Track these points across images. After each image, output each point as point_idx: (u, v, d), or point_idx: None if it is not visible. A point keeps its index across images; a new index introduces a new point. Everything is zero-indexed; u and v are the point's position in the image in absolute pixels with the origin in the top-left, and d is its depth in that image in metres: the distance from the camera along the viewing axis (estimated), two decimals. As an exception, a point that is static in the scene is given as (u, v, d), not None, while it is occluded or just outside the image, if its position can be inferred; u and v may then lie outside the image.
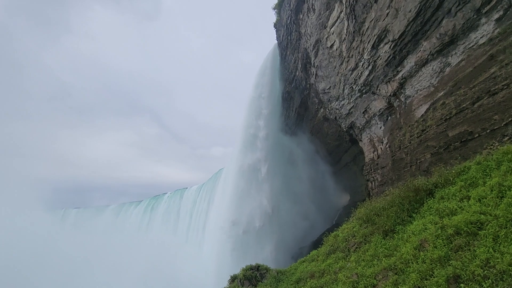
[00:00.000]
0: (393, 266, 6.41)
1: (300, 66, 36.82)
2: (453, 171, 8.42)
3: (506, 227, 5.02)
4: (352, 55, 26.07)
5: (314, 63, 33.15)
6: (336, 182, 41.07)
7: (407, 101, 23.07)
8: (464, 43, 17.18)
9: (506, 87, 14.13)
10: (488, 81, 15.34)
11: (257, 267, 11.23)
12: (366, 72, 25.45)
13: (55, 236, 77.58)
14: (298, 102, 41.39)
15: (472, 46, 16.62)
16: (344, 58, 27.29)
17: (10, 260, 58.44)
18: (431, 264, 5.49)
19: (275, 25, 43.80)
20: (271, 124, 40.33)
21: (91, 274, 53.90)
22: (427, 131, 19.55)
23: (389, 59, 22.41)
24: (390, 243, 7.62)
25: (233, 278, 10.86)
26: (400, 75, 22.39)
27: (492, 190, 6.39)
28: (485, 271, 4.43)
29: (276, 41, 44.94)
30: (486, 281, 4.23)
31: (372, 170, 28.33)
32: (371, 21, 22.58)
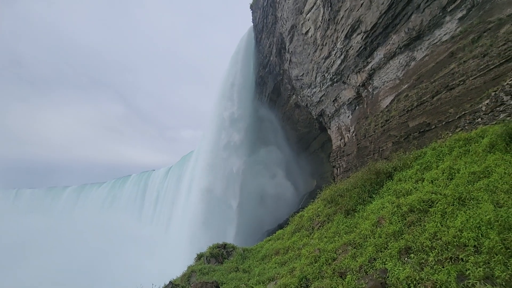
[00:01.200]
0: (352, 241, 6.81)
1: (275, 51, 36.60)
2: (411, 156, 9.06)
3: (453, 205, 5.54)
4: (326, 43, 26.40)
5: (288, 48, 33.12)
6: (304, 168, 42.37)
7: (374, 92, 24.06)
8: (429, 39, 18.08)
9: (462, 82, 15.24)
10: (447, 76, 16.43)
11: (224, 245, 11.38)
12: (338, 61, 25.99)
13: (6, 216, 71.89)
14: (271, 88, 41.41)
15: (436, 42, 17.58)
16: (318, 46, 27.56)
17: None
18: (386, 238, 5.92)
19: (251, 7, 42.74)
20: (244, 108, 40.09)
21: (45, 257, 51.10)
22: (391, 121, 20.65)
23: (360, 49, 23.03)
24: (351, 221, 8.08)
25: (200, 256, 10.92)
26: (369, 66, 23.17)
27: (443, 173, 6.98)
28: (433, 243, 4.87)
29: (252, 24, 44.00)
30: (433, 251, 4.65)
31: (338, 157, 29.56)
32: (345, 10, 22.88)
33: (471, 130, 9.14)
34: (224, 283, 7.92)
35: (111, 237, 55.08)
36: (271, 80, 41.34)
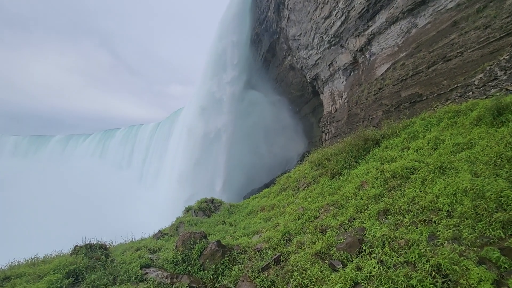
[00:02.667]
0: (335, 202, 7.18)
1: (273, 6, 34.42)
2: (400, 125, 9.23)
3: (434, 173, 5.81)
4: (327, 2, 24.94)
5: (287, 4, 31.18)
6: (293, 131, 42.71)
7: (371, 59, 23.54)
8: (434, 5, 17.33)
9: (460, 54, 15.03)
10: (446, 47, 16.12)
11: (212, 200, 11.84)
12: (338, 23, 24.87)
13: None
14: (267, 47, 39.77)
15: (441, 9, 16.90)
16: (319, 4, 26.04)
17: None
18: (367, 200, 6.26)
19: (251, -47, 39.04)
20: (237, 64, 38.72)
21: (30, 201, 51.77)
22: (384, 90, 20.57)
23: (362, 11, 21.97)
24: (336, 184, 8.44)
25: (188, 209, 11.37)
26: (370, 30, 22.33)
27: (429, 142, 7.21)
28: (410, 206, 5.20)
29: (251, -27, 40.54)
30: (409, 214, 4.98)
31: (328, 123, 29.80)
32: (352, -35, 21.33)
33: (462, 103, 9.26)
34: (211, 234, 8.36)
35: (98, 188, 55.83)
36: (267, 38, 39.52)
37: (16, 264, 6.62)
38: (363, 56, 24.45)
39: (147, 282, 5.16)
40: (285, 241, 6.37)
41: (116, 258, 6.17)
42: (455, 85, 14.65)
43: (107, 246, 6.25)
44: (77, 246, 5.81)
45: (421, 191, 5.52)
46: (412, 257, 3.80)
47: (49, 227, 42.12)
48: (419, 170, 6.18)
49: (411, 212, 5.03)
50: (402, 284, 3.42)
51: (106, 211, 45.71)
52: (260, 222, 8.74)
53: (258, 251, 6.20)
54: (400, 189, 5.98)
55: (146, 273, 5.59)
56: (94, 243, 6.01)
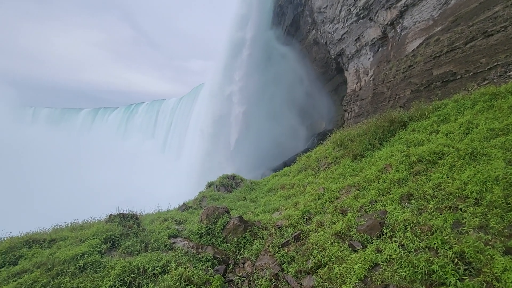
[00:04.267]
0: (356, 183, 7.18)
1: (299, -25, 32.54)
2: (430, 107, 8.81)
3: (464, 159, 5.61)
4: (358, -30, 23.22)
5: (315, -27, 29.35)
6: (314, 109, 41.89)
7: (402, 33, 22.10)
8: (479, -28, 15.71)
9: (503, 29, 13.77)
10: (488, 20, 14.78)
11: (233, 177, 12.19)
12: (369, -7, 23.25)
13: (26, 133, 76.01)
14: (290, 20, 38.17)
15: (486, -23, 15.29)
16: (349, -27, 24.33)
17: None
18: (390, 184, 6.20)
19: None
20: (258, 39, 37.69)
21: (69, 172, 55.59)
22: (414, 67, 19.46)
23: (396, -20, 20.34)
24: (358, 165, 8.37)
25: (210, 184, 11.83)
26: (402, 1, 20.79)
27: (460, 127, 6.88)
28: (435, 192, 5.11)
29: None
30: (434, 200, 4.91)
31: (352, 101, 28.89)
32: None
33: (500, 84, 8.62)
34: (233, 209, 8.72)
35: (125, 161, 58.82)
36: (290, 10, 37.83)
37: (58, 227, 7.32)
38: (393, 31, 22.95)
39: (175, 251, 5.56)
40: (305, 219, 6.54)
41: (146, 227, 6.65)
42: (495, 64, 13.56)
43: (138, 216, 6.73)
44: (111, 215, 6.31)
45: (448, 177, 5.38)
46: (434, 243, 3.82)
47: (80, 192, 45.44)
48: (447, 155, 5.98)
49: (436, 198, 4.96)
50: (422, 269, 3.48)
51: (133, 183, 48.39)
52: (280, 200, 8.95)
53: (278, 228, 6.44)
54: (426, 174, 5.85)
55: (174, 242, 6.01)
56: (126, 212, 6.49)
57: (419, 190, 5.42)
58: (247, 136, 37.76)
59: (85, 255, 4.86)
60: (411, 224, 4.45)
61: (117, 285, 4.24)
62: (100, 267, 4.65)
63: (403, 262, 3.70)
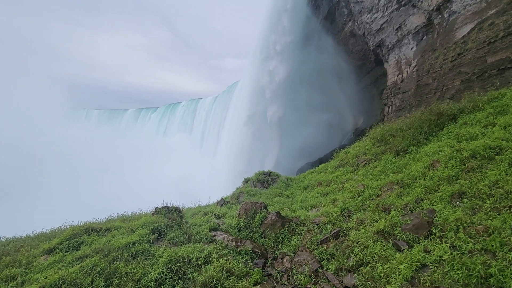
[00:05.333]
0: (399, 180, 6.81)
1: (334, -35, 31.41)
2: (485, 98, 8.02)
3: (526, 154, 5.05)
4: (399, -46, 21.79)
5: (351, -38, 28.12)
6: (352, 103, 40.33)
7: (451, 19, 20.32)
8: None
9: None
10: (556, -3, 13.01)
11: (269, 173, 12.28)
12: (412, -22, 21.71)
13: (81, 133, 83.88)
14: (325, 12, 37.05)
15: None
16: (389, -42, 22.93)
17: (43, 155, 64.88)
18: (438, 181, 5.79)
19: None
20: (292, 34, 37.18)
21: (117, 168, 60.28)
22: (464, 55, 17.84)
23: (444, -39, 18.72)
24: (401, 162, 7.93)
25: (247, 180, 12.05)
26: (451, -17, 19.07)
27: (522, 119, 6.19)
28: (492, 191, 4.67)
29: None
30: (490, 199, 4.50)
31: (392, 94, 27.35)
32: None
33: None
34: (269, 205, 8.80)
35: (165, 157, 62.23)
36: (325, 3, 36.69)
37: (111, 218, 8.03)
38: (440, 16, 21.17)
39: (216, 243, 5.80)
40: (344, 217, 6.39)
41: (188, 220, 7.01)
42: None
43: (181, 209, 7.11)
44: (157, 207, 6.76)
45: (507, 174, 4.89)
46: (492, 245, 3.52)
47: (127, 186, 49.09)
48: (506, 151, 5.43)
49: (493, 196, 4.54)
50: (478, 272, 3.23)
51: (172, 175, 51.16)
52: (317, 197, 8.83)
53: (317, 225, 6.38)
54: (481, 171, 5.37)
55: (214, 235, 6.26)
56: (171, 206, 6.90)
57: (473, 188, 4.99)
58: (282, 132, 37.64)
59: (136, 244, 5.28)
60: (464, 224, 4.13)
61: (165, 273, 4.55)
62: (149, 255, 5.03)
63: (456, 264, 3.46)
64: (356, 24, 31.96)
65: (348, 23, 34.32)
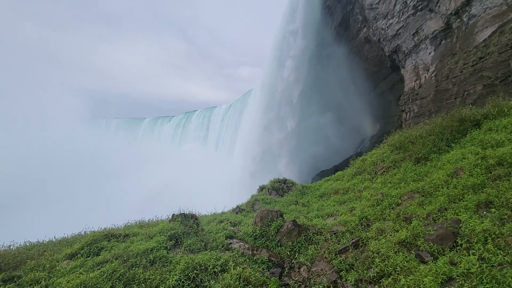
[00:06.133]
0: (421, 189, 6.58)
1: (348, -27, 31.46)
2: (511, 102, 7.68)
3: (559, 161, 4.77)
4: (414, -41, 21.60)
5: (365, -31, 28.10)
6: (368, 110, 39.72)
7: (470, 22, 19.81)
8: None
9: None
10: None
11: (284, 181, 12.18)
12: (428, -18, 21.41)
13: (101, 142, 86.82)
14: (339, 19, 37.00)
15: None
16: (404, -37, 22.75)
17: (65, 164, 67.51)
18: (463, 190, 5.55)
19: None
20: (306, 44, 37.28)
21: (134, 176, 61.72)
22: (486, 59, 17.28)
23: (462, -36, 18.38)
24: (421, 169, 7.68)
25: (262, 188, 11.99)
26: (470, -13, 18.64)
27: (553, 124, 5.87)
28: (522, 199, 4.43)
29: None
30: (520, 208, 4.26)
31: (410, 100, 26.73)
32: None
33: None
34: (285, 213, 8.70)
35: (180, 165, 63.19)
36: (339, 10, 36.68)
37: (129, 224, 8.19)
38: (458, 20, 20.66)
39: (232, 251, 5.77)
40: (362, 226, 6.22)
41: (204, 227, 7.03)
42: None
43: (197, 216, 7.16)
44: (174, 214, 6.83)
45: (538, 183, 4.63)
46: (524, 258, 3.32)
47: (145, 193, 50.03)
48: (536, 158, 5.15)
49: (524, 206, 4.30)
50: (509, 285, 3.04)
51: (186, 183, 51.80)
52: (334, 205, 8.66)
53: (334, 234, 6.23)
54: (509, 179, 5.11)
55: (230, 243, 6.23)
56: (187, 213, 6.96)
57: (501, 197, 4.75)
58: (297, 139, 37.41)
59: (154, 250, 5.34)
60: (493, 236, 3.91)
61: (182, 280, 4.57)
62: (167, 262, 5.06)
63: (485, 277, 3.27)
64: (371, 30, 31.69)
65: (362, 29, 34.08)
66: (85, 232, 7.72)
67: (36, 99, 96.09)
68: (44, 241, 7.69)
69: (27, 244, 7.45)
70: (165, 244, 5.61)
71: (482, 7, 18.47)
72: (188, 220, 6.71)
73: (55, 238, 7.94)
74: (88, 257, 5.53)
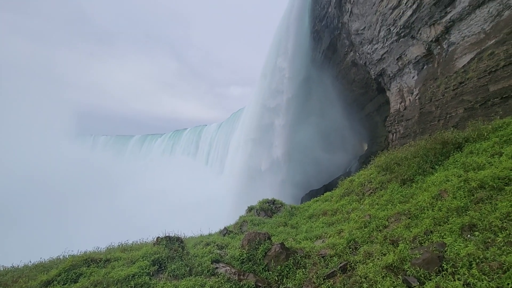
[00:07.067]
0: (407, 211, 6.64)
1: (334, 1, 33.14)
2: (490, 126, 8.01)
3: (536, 185, 4.93)
4: (396, -10, 23.00)
5: (351, -2, 29.69)
6: (355, 131, 40.55)
7: (450, 49, 20.94)
8: (536, -20, 14.58)
9: None
10: (552, 29, 13.42)
11: (273, 201, 12.08)
12: (409, 12, 22.72)
13: (88, 159, 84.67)
14: (327, 43, 38.51)
15: (546, -16, 14.11)
16: (387, -6, 24.17)
17: (48, 182, 65.22)
18: (447, 212, 5.62)
19: (311, -51, 38.24)
20: (296, 66, 38.42)
21: (121, 193, 60.02)
22: (466, 84, 18.12)
23: (439, -4, 19.66)
24: (407, 191, 7.78)
25: (250, 209, 11.83)
26: (448, 17, 19.87)
27: (529, 148, 6.12)
28: (504, 223, 4.51)
29: (310, -30, 39.74)
30: (503, 232, 4.33)
31: (396, 122, 27.51)
32: None
33: None
34: (273, 235, 8.55)
35: (168, 185, 62.02)
36: (327, 35, 38.26)
37: (112, 247, 7.86)
38: (439, 47, 21.84)
39: (218, 277, 5.58)
40: (350, 249, 6.16)
41: (189, 251, 6.82)
42: None
43: (183, 239, 6.95)
44: (159, 237, 6.61)
45: (519, 206, 4.74)
46: (508, 283, 3.33)
47: (137, 213, 48.53)
48: (515, 181, 5.31)
49: (506, 230, 4.37)
50: (495, 313, 3.03)
51: (174, 203, 50.64)
52: (323, 227, 8.59)
53: (323, 257, 6.14)
54: (491, 202, 5.22)
55: (216, 267, 6.04)
56: (172, 236, 6.75)
57: (484, 220, 4.83)
58: (287, 159, 37.55)
59: (136, 276, 5.10)
60: (477, 260, 3.94)
61: (164, 309, 4.35)
62: (149, 290, 4.84)
63: (471, 304, 3.26)
64: (358, 54, 33.04)
65: (349, 53, 35.49)
66: (63, 256, 7.35)
67: (21, 114, 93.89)
68: (19, 266, 7.27)
69: (1, 269, 7.03)
70: (148, 269, 5.38)
71: (461, 36, 19.63)
72: (173, 243, 6.50)
73: (31, 262, 7.52)
74: (65, 284, 5.24)
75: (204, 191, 52.30)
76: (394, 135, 27.98)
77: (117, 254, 6.38)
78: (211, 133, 69.63)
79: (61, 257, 7.49)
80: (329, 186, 29.37)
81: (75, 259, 5.97)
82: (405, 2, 22.63)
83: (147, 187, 61.45)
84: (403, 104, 27.46)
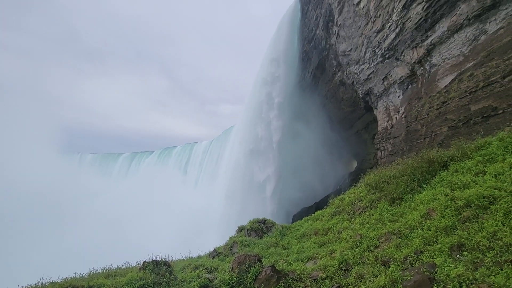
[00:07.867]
0: (397, 230, 6.64)
1: (322, 24, 34.54)
2: (473, 146, 8.26)
3: (520, 204, 5.05)
4: (379, 15, 24.17)
5: (337, 21, 31.01)
6: (345, 149, 41.12)
7: (432, 70, 21.86)
8: (507, 8, 15.62)
9: (544, 61, 13.15)
10: (525, 53, 14.26)
11: (264, 221, 11.90)
12: (392, 35, 23.81)
13: (74, 177, 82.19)
14: (315, 63, 39.69)
15: (516, 12, 15.13)
16: (371, 18, 25.36)
17: (33, 202, 62.80)
18: (436, 232, 5.66)
19: (299, -24, 40.23)
20: (286, 85, 39.27)
21: (105, 211, 58.09)
22: (448, 104, 18.82)
23: (420, 21, 20.74)
24: (397, 210, 7.83)
25: (240, 229, 11.60)
26: (429, 40, 20.89)
27: (511, 167, 6.31)
28: (491, 243, 4.56)
29: (298, -6, 41.61)
30: (490, 252, 4.37)
31: (384, 140, 28.07)
32: (407, -24, 20.51)
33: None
34: (264, 257, 8.36)
35: (157, 204, 60.56)
36: (315, 55, 39.55)
37: (94, 273, 7.49)
38: (422, 68, 22.81)
39: (206, 303, 5.36)
40: (342, 271, 6.07)
41: (177, 275, 6.57)
42: (541, 97, 12.71)
43: (170, 263, 6.70)
44: (145, 262, 6.36)
45: (504, 225, 4.82)
46: (498, 306, 3.32)
47: (126, 234, 46.72)
48: (500, 200, 5.43)
49: (493, 249, 4.41)
50: (487, 338, 3.00)
51: (162, 221, 49.26)
52: (314, 247, 8.48)
53: (314, 280, 6.01)
54: (477, 221, 5.30)
55: (205, 293, 5.82)
56: (159, 260, 6.51)
57: (472, 240, 4.88)
58: (278, 177, 37.48)
59: (119, 305, 4.85)
60: (467, 281, 3.94)
61: None
62: (133, 320, 4.59)
63: (463, 328, 3.22)
64: (345, 74, 34.11)
65: (337, 73, 36.60)
66: (42, 283, 6.92)
67: (8, 130, 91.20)
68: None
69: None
70: (133, 297, 5.14)
71: (441, 58, 20.59)
72: (160, 267, 6.26)
73: (6, 291, 7.06)
74: (43, 315, 4.91)
75: (192, 208, 51.23)
76: (383, 152, 28.47)
77: (101, 281, 6.07)
78: (202, 151, 69.21)
79: (40, 284, 7.05)
80: (320, 204, 29.32)
81: (55, 286, 5.65)
82: (388, 26, 23.78)
83: (135, 205, 59.77)
84: (390, 122, 28.18)
